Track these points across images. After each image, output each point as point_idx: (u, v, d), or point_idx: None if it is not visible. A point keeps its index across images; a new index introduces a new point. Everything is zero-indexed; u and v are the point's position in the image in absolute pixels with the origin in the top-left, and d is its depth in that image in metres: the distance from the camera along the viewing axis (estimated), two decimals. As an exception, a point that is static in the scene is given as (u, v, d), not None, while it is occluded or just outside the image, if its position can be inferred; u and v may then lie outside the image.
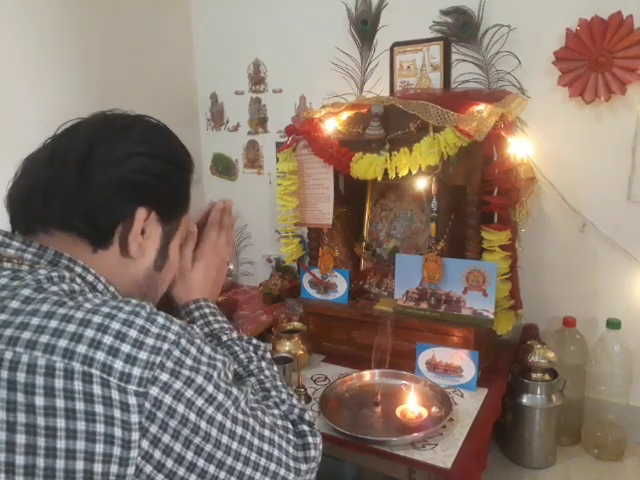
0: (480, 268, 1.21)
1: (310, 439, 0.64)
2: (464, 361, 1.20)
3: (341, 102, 1.44)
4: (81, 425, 0.46)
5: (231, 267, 0.96)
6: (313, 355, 1.37)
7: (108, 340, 0.48)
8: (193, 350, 0.53)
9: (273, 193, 1.64)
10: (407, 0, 1.48)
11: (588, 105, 1.30)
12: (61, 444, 0.45)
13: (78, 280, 0.58)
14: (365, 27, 1.55)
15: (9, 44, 1.31)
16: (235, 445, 0.56)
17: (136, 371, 0.48)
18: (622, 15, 1.21)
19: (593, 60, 1.25)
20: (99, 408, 0.46)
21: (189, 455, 0.51)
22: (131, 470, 0.47)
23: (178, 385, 0.50)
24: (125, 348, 0.48)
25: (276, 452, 0.60)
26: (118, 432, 0.47)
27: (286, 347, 1.32)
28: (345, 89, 1.61)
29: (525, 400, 1.25)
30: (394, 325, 1.25)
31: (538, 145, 1.33)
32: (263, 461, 0.58)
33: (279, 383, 0.72)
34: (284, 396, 0.69)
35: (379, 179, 1.26)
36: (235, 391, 0.57)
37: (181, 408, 0.50)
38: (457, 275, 1.24)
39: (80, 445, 0.46)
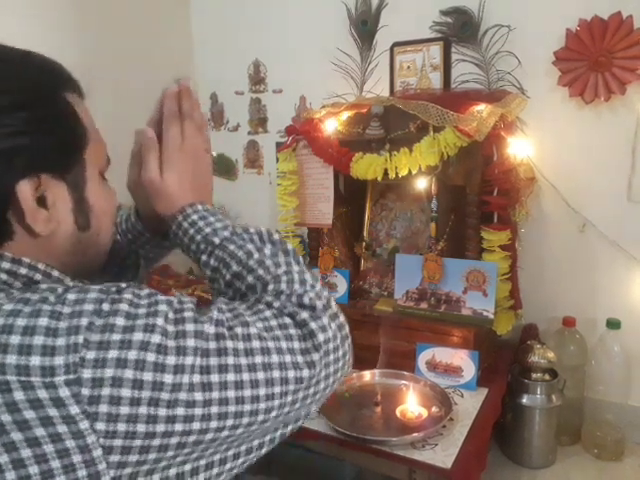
0: (480, 268, 1.21)
1: (313, 325, 0.55)
2: (464, 361, 1.21)
3: (341, 102, 1.44)
4: (17, 436, 0.42)
5: (214, 154, 0.77)
6: (313, 355, 1.37)
7: (16, 340, 0.43)
8: (123, 307, 0.47)
9: (273, 193, 1.64)
10: (407, 0, 1.48)
11: (588, 105, 1.30)
12: (5, 458, 0.42)
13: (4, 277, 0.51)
14: (365, 27, 1.55)
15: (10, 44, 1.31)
16: (216, 394, 0.48)
17: (58, 360, 0.43)
18: (622, 15, 1.21)
19: (593, 60, 1.25)
20: (30, 414, 0.42)
21: (162, 413, 0.45)
22: (98, 452, 0.44)
23: (114, 353, 0.44)
24: (38, 341, 0.43)
25: (275, 358, 0.52)
26: (62, 428, 0.43)
27: (286, 347, 1.32)
28: (345, 89, 1.61)
29: (525, 400, 1.25)
30: (394, 325, 1.26)
31: (538, 145, 1.33)
32: (261, 376, 0.51)
33: (282, 269, 0.62)
34: (283, 286, 0.59)
35: (379, 179, 1.26)
36: (195, 327, 0.49)
37: (129, 373, 0.44)
38: (457, 275, 1.24)
39: (26, 453, 0.42)
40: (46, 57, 0.57)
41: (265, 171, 1.88)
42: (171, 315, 0.49)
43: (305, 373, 0.53)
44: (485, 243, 1.23)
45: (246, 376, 0.49)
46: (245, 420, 0.50)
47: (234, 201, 1.91)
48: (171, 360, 0.46)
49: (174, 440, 0.46)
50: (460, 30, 1.41)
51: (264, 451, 0.63)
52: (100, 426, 0.43)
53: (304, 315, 0.56)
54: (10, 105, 0.50)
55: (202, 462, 0.52)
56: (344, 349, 0.59)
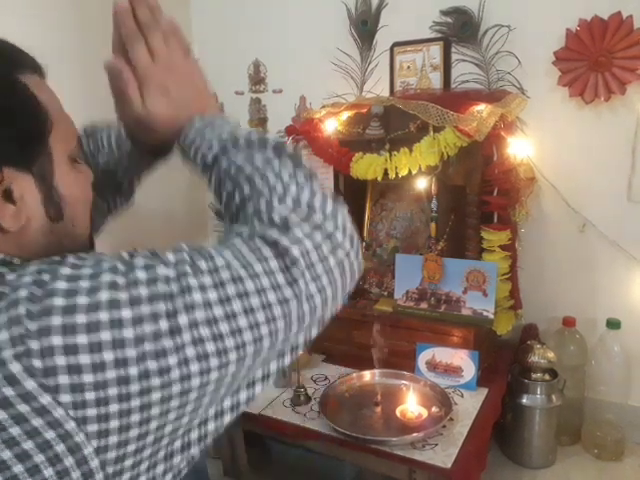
0: (480, 268, 1.21)
1: (284, 241, 0.48)
2: (464, 361, 1.21)
3: (341, 102, 1.44)
4: None
5: (194, 52, 0.61)
6: (313, 355, 1.37)
7: None
8: (64, 272, 0.43)
9: (273, 193, 1.64)
10: (407, 0, 1.48)
11: (588, 105, 1.30)
12: None
13: None
14: (365, 27, 1.55)
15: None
16: (187, 336, 0.44)
17: (3, 335, 0.40)
18: (622, 15, 1.21)
19: (593, 60, 1.25)
20: None
21: (132, 371, 0.42)
22: (71, 425, 0.41)
23: (58, 320, 0.41)
24: None
25: (249, 284, 0.46)
26: (23, 407, 0.40)
27: (286, 347, 1.32)
28: (345, 89, 1.60)
29: (525, 400, 1.25)
30: (394, 325, 1.26)
31: (538, 145, 1.33)
32: (237, 306, 0.46)
33: (268, 180, 0.53)
34: (260, 204, 0.52)
35: (379, 179, 1.26)
36: (147, 274, 0.44)
37: (82, 338, 0.41)
38: (457, 275, 1.24)
39: None
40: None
41: (265, 171, 1.88)
42: (120, 266, 0.44)
43: (288, 292, 0.48)
44: (485, 243, 1.23)
45: (219, 310, 0.45)
46: (233, 356, 0.46)
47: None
48: (127, 313, 0.42)
49: (155, 396, 0.43)
50: (460, 30, 1.41)
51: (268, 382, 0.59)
52: (65, 398, 0.40)
53: (273, 235, 0.49)
54: None
55: (196, 422, 0.51)
56: (337, 258, 0.51)
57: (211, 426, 0.57)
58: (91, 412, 0.41)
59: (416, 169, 1.20)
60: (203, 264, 0.46)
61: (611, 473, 1.27)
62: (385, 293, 1.43)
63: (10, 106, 0.48)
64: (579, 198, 1.35)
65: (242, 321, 0.46)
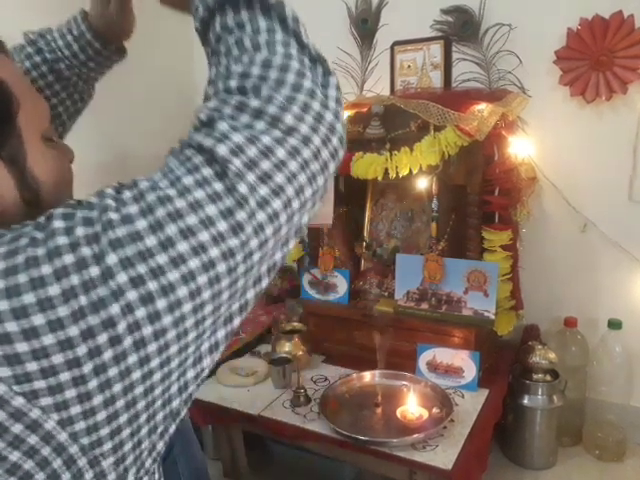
0: (481, 268, 1.21)
1: (208, 142, 0.42)
2: (465, 362, 1.20)
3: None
4: None
5: None
6: (313, 356, 1.37)
7: None
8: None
9: (273, 193, 1.63)
10: (407, -1, 1.48)
11: (589, 104, 1.29)
12: None
13: None
14: (365, 26, 1.55)
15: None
16: (143, 267, 0.38)
17: None
18: (623, 14, 1.20)
19: (594, 59, 1.24)
20: None
21: (72, 333, 0.37)
22: (19, 401, 0.37)
23: None
24: None
25: (180, 203, 0.40)
26: None
27: (286, 348, 1.31)
28: (345, 88, 1.60)
29: (526, 401, 1.25)
30: (394, 325, 1.25)
31: (539, 144, 1.33)
32: (172, 230, 0.39)
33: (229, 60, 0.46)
34: (211, 103, 0.44)
35: (379, 179, 1.25)
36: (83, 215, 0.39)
37: (4, 305, 0.36)
38: (458, 275, 1.23)
39: None
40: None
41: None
42: (41, 220, 0.40)
43: (229, 201, 0.41)
44: (486, 243, 1.22)
45: (151, 239, 0.39)
46: (182, 292, 0.40)
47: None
48: (47, 269, 0.37)
49: (103, 338, 0.38)
50: (461, 29, 1.40)
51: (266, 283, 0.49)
52: (3, 372, 0.37)
53: (198, 136, 0.42)
54: None
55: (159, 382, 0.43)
56: (295, 147, 0.43)
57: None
58: (38, 384, 0.37)
59: (417, 169, 1.20)
60: (127, 193, 0.40)
61: (612, 474, 1.26)
62: (385, 293, 1.42)
63: None
64: (580, 198, 1.34)
65: (182, 246, 0.39)
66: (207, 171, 0.41)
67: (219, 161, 0.41)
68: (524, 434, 1.26)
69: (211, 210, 0.40)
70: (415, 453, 0.99)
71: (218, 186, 0.40)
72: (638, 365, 1.30)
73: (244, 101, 0.43)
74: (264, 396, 1.22)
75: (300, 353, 1.31)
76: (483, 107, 1.16)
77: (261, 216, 0.42)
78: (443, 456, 0.98)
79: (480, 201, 1.21)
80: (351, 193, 1.50)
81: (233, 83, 0.44)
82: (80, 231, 0.38)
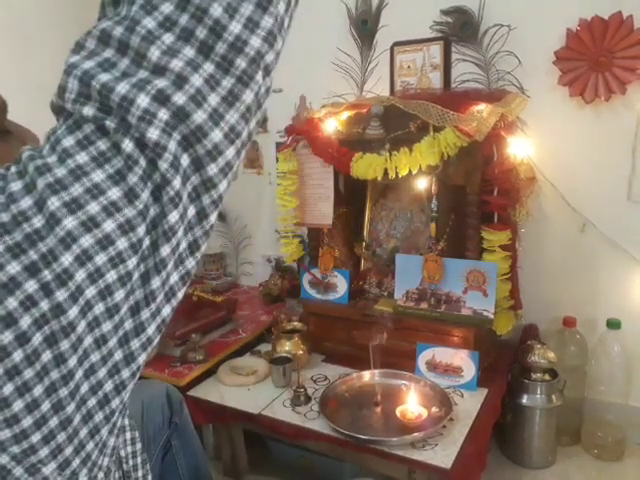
0: (480, 268, 1.21)
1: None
2: (464, 361, 1.20)
3: (341, 102, 1.44)
4: None
5: None
6: (313, 355, 1.37)
7: None
8: None
9: (273, 193, 1.64)
10: (407, 0, 1.48)
11: (588, 105, 1.29)
12: None
13: None
14: (365, 27, 1.55)
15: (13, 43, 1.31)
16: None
17: None
18: (622, 15, 1.21)
19: (593, 60, 1.25)
20: None
21: None
22: None
23: None
24: None
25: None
26: None
27: (286, 347, 1.32)
28: (345, 89, 1.60)
29: (525, 400, 1.25)
30: (394, 325, 1.26)
31: (538, 145, 1.33)
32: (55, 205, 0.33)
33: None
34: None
35: (379, 179, 1.26)
36: None
37: None
38: (457, 275, 1.24)
39: None
40: None
41: (265, 171, 1.88)
42: None
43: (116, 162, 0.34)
44: (485, 243, 1.22)
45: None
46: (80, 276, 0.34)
47: (234, 201, 1.91)
48: None
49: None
50: (460, 30, 1.41)
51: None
52: None
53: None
54: None
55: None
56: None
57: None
58: None
59: (416, 169, 1.20)
60: (12, 168, 0.35)
61: (611, 473, 1.26)
62: (385, 293, 1.42)
63: None
64: (579, 198, 1.35)
65: (69, 222, 0.33)
66: (88, 127, 0.34)
67: (93, 117, 0.34)
68: (523, 433, 1.27)
69: (98, 175, 0.33)
70: (414, 452, 0.99)
71: (102, 145, 0.34)
72: (637, 365, 1.30)
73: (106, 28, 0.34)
74: (264, 395, 1.22)
75: (300, 352, 1.31)
76: (482, 108, 1.16)
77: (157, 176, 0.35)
78: (442, 455, 0.98)
79: (479, 201, 1.21)
80: (351, 193, 1.51)
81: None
82: None
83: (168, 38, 0.34)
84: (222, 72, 0.35)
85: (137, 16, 0.34)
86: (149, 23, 0.33)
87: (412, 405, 1.11)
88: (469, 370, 1.20)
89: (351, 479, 1.21)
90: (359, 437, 1.01)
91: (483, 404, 1.15)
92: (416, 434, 1.01)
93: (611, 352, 1.27)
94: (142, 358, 0.39)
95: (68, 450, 0.38)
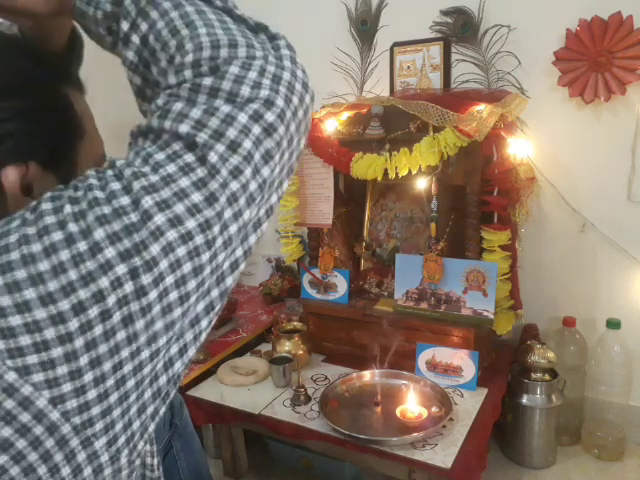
0: (480, 268, 1.21)
1: (184, 128, 0.41)
2: (464, 361, 1.21)
3: (341, 102, 1.44)
4: None
5: None
6: (313, 355, 1.37)
7: None
8: None
9: (273, 193, 1.64)
10: (407, 0, 1.48)
11: (588, 105, 1.30)
12: None
13: None
14: (365, 27, 1.55)
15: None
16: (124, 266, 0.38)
17: None
18: (622, 15, 1.21)
19: (593, 60, 1.25)
20: None
21: (64, 307, 0.37)
22: (12, 376, 0.37)
23: None
24: None
25: (158, 182, 0.40)
26: None
27: (286, 347, 1.32)
28: (345, 89, 1.61)
29: (525, 400, 1.25)
30: (393, 325, 1.26)
31: (538, 145, 1.33)
32: (148, 203, 0.39)
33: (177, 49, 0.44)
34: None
35: (379, 179, 1.26)
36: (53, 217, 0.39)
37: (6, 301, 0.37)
38: (457, 275, 1.24)
39: None
40: (47, 49, 0.55)
41: (265, 171, 1.88)
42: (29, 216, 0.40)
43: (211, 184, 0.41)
44: (485, 243, 1.23)
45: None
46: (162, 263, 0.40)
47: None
48: (37, 247, 0.38)
49: (96, 332, 0.38)
50: (460, 30, 1.41)
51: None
52: None
53: (160, 123, 0.42)
54: (3, 90, 0.48)
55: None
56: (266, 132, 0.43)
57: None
58: (31, 359, 0.37)
59: (416, 169, 1.20)
60: (109, 172, 0.41)
61: (611, 473, 1.27)
62: (385, 293, 1.43)
63: (48, 108, 0.50)
64: (579, 198, 1.35)
65: (159, 218, 0.39)
66: (177, 146, 0.41)
67: (184, 137, 0.41)
68: (523, 433, 1.27)
69: (184, 182, 0.40)
70: (414, 452, 0.99)
71: (189, 158, 0.41)
72: (637, 364, 1.30)
73: (198, 81, 0.43)
74: (264, 395, 1.22)
75: (300, 352, 1.31)
76: (482, 108, 1.16)
77: (234, 185, 0.42)
78: (442, 455, 0.98)
79: (479, 201, 1.21)
80: (351, 193, 1.51)
81: (187, 73, 0.43)
82: (67, 209, 0.39)
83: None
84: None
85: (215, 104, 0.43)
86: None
87: (412, 405, 1.11)
88: (469, 370, 1.20)
89: None
90: (359, 437, 1.01)
91: (483, 404, 1.15)
92: (416, 434, 1.02)
93: (611, 352, 1.28)
94: (192, 352, 0.45)
95: (118, 426, 0.41)
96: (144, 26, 0.45)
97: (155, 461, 0.64)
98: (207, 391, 1.25)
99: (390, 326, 1.27)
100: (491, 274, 1.20)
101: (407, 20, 1.48)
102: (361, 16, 1.55)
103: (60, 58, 0.55)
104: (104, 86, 1.39)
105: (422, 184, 1.28)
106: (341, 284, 1.42)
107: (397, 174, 1.22)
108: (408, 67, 1.50)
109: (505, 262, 1.23)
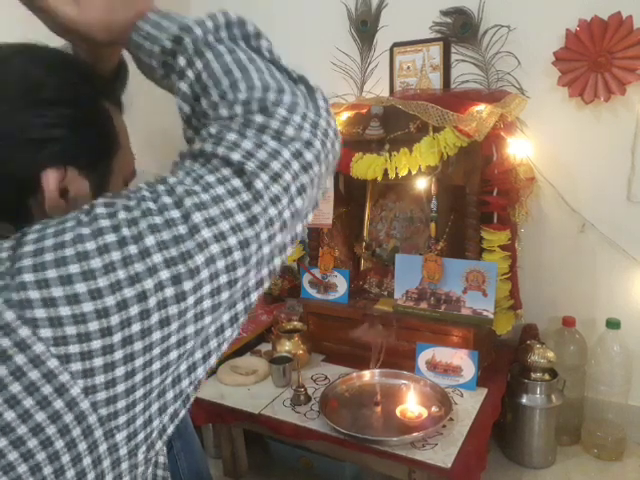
0: (480, 268, 1.21)
1: (235, 155, 0.46)
2: (464, 361, 1.21)
3: (341, 102, 1.44)
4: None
5: None
6: (313, 355, 1.38)
7: None
8: (31, 235, 0.43)
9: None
10: (407, 0, 1.48)
11: (588, 105, 1.30)
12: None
13: None
14: (365, 27, 1.55)
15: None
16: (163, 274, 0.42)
17: None
18: (622, 15, 1.21)
19: (593, 60, 1.25)
20: None
21: (110, 302, 0.41)
22: (54, 363, 0.39)
23: (29, 270, 0.41)
24: None
25: (208, 200, 0.45)
26: (4, 341, 0.39)
27: (286, 347, 1.32)
28: (345, 89, 1.61)
29: (525, 400, 1.25)
30: (393, 325, 1.26)
31: (538, 145, 1.34)
32: (199, 221, 0.44)
33: (221, 89, 0.49)
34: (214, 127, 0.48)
35: (379, 179, 1.26)
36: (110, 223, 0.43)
37: (53, 274, 0.40)
38: (457, 275, 1.24)
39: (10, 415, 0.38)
40: (95, 69, 0.61)
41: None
42: (84, 218, 0.44)
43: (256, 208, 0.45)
44: (485, 243, 1.23)
45: (182, 226, 0.43)
46: (203, 272, 0.44)
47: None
48: (97, 262, 0.41)
49: (135, 328, 0.42)
50: (460, 30, 1.41)
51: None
52: (45, 333, 0.39)
53: (214, 149, 0.47)
54: (55, 100, 0.52)
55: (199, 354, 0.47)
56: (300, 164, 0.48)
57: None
58: (73, 349, 0.40)
59: (416, 169, 1.20)
60: (161, 187, 0.45)
61: (611, 473, 1.27)
62: (385, 293, 1.43)
63: (91, 118, 0.55)
64: (579, 198, 1.35)
65: (206, 233, 0.44)
66: (226, 171, 0.46)
67: (235, 164, 0.46)
68: (523, 433, 1.27)
69: (230, 203, 0.45)
70: (414, 452, 0.99)
71: (237, 182, 0.45)
72: (636, 364, 1.30)
73: (249, 117, 0.48)
74: (264, 395, 1.23)
75: (300, 352, 1.31)
76: (482, 108, 1.17)
77: (272, 211, 0.47)
78: (442, 455, 0.98)
79: (479, 201, 1.22)
80: (351, 193, 1.51)
81: (238, 108, 0.49)
82: (122, 215, 0.43)
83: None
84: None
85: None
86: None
87: (412, 405, 1.11)
88: (469, 370, 1.20)
89: None
90: (359, 437, 1.02)
91: (483, 404, 1.15)
92: (416, 434, 1.02)
93: (611, 352, 1.28)
94: (214, 359, 0.49)
95: (139, 422, 0.44)
96: (199, 64, 0.50)
97: (165, 460, 0.65)
98: (207, 391, 1.25)
99: (384, 325, 1.27)
100: (491, 274, 1.20)
101: (407, 20, 1.49)
102: (361, 16, 1.55)
103: (107, 81, 0.61)
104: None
105: (422, 184, 1.28)
106: (341, 284, 1.42)
107: (397, 174, 1.22)
108: (408, 67, 1.50)
109: (505, 262, 1.23)
